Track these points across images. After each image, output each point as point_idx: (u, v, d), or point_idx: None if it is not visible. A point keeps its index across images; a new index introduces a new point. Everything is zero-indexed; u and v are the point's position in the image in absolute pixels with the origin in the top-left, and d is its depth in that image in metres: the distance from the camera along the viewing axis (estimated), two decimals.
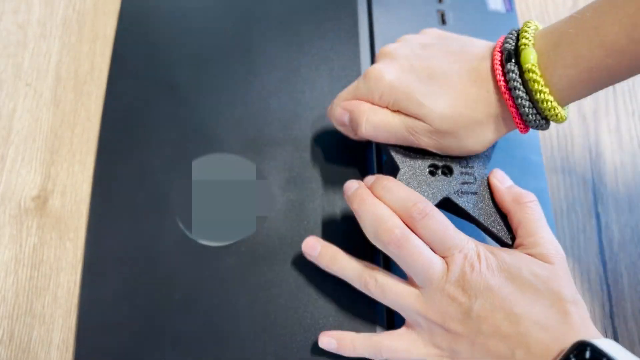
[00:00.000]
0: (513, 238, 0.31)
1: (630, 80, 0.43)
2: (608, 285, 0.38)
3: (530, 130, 0.30)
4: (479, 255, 0.28)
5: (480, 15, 0.44)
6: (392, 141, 0.32)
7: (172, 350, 0.32)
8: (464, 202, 0.31)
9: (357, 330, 0.32)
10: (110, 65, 0.40)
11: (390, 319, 0.33)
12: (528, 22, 0.30)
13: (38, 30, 0.43)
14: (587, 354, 0.23)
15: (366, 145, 0.38)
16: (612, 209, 0.40)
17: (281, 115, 0.39)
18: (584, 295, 0.37)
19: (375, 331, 0.33)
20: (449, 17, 0.43)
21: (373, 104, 0.32)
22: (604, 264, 0.38)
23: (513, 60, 0.28)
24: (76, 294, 0.35)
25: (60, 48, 0.42)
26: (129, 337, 0.32)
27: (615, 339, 0.36)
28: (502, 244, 0.31)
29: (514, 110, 0.29)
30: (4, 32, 0.42)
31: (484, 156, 0.33)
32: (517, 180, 0.38)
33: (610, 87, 0.43)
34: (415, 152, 0.32)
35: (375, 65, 0.32)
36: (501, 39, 0.30)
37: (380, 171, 0.37)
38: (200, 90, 0.39)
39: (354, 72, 0.40)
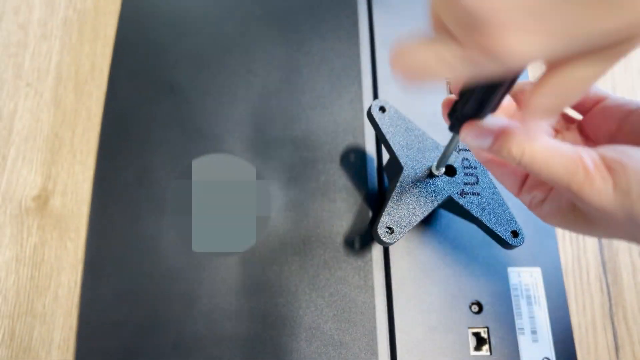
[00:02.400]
0: (513, 239, 0.31)
1: (630, 80, 0.43)
2: (608, 285, 0.38)
3: None
4: None
5: None
6: None
7: (172, 350, 0.32)
8: (466, 202, 0.31)
9: (357, 330, 0.32)
10: (111, 65, 0.40)
11: (391, 319, 0.33)
12: None
13: (39, 30, 0.43)
14: None
15: (366, 145, 0.38)
16: None
17: (281, 115, 0.39)
18: (584, 296, 0.37)
19: (375, 334, 0.33)
20: None
21: None
22: (604, 264, 0.38)
23: None
24: (77, 293, 0.35)
25: (60, 48, 0.42)
26: (129, 336, 0.32)
27: (615, 338, 0.36)
28: (504, 244, 0.31)
29: None
30: (4, 32, 0.43)
31: None
32: None
33: (610, 87, 0.43)
34: (418, 152, 0.32)
35: None
36: None
37: (381, 171, 0.38)
38: (200, 90, 0.39)
39: (354, 72, 0.40)
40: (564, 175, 0.20)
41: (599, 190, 0.20)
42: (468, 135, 0.22)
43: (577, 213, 0.22)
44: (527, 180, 0.26)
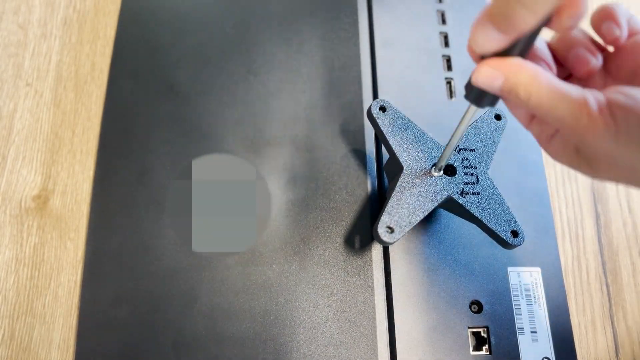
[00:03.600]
0: (513, 239, 0.31)
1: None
2: (608, 286, 0.38)
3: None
4: None
5: None
6: None
7: (172, 350, 0.32)
8: (466, 202, 0.31)
9: (357, 330, 0.32)
10: (111, 65, 0.40)
11: (391, 319, 0.33)
12: None
13: (39, 30, 0.43)
14: None
15: (366, 145, 0.38)
16: (612, 209, 0.40)
17: (281, 115, 0.39)
18: (584, 295, 0.37)
19: (375, 334, 0.33)
20: (449, 17, 0.43)
21: None
22: (604, 264, 0.38)
23: None
24: (77, 293, 0.35)
25: (60, 48, 0.42)
26: (129, 336, 0.32)
27: (615, 339, 0.36)
28: (504, 244, 0.31)
29: None
30: (4, 32, 0.43)
31: (486, 157, 0.33)
32: (517, 180, 0.38)
33: None
34: (419, 151, 0.32)
35: None
36: None
37: (381, 171, 0.38)
38: (200, 90, 0.39)
39: (354, 72, 0.40)
40: (569, 119, 0.20)
41: (601, 136, 0.20)
42: (479, 76, 0.22)
43: (581, 155, 0.22)
44: None
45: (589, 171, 0.23)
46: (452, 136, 0.29)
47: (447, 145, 0.30)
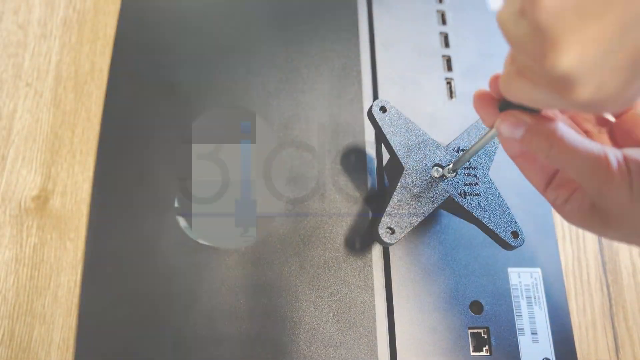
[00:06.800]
0: (514, 240, 0.31)
1: None
2: (608, 286, 0.38)
3: None
4: None
5: (480, 15, 0.44)
6: None
7: (172, 350, 0.32)
8: (467, 202, 0.31)
9: (357, 330, 0.32)
10: (111, 65, 0.40)
11: (391, 319, 0.33)
12: None
13: (38, 30, 0.43)
14: None
15: (366, 145, 0.38)
16: None
17: (281, 115, 0.39)
18: (584, 296, 0.37)
19: (375, 334, 0.33)
20: (449, 17, 0.43)
21: None
22: (604, 264, 0.38)
23: None
24: (76, 293, 0.35)
25: (60, 48, 0.42)
26: (129, 337, 0.32)
27: (615, 339, 0.36)
28: (504, 245, 0.31)
29: None
30: (4, 32, 0.42)
31: (487, 158, 0.33)
32: (517, 181, 0.38)
33: None
34: (419, 152, 0.32)
35: None
36: None
37: (382, 171, 0.38)
38: (200, 90, 0.39)
39: (354, 72, 0.40)
40: (588, 171, 0.21)
41: (618, 188, 0.20)
42: (503, 124, 0.23)
43: (595, 213, 0.23)
44: (554, 180, 0.26)
45: (600, 227, 0.23)
46: (476, 143, 0.28)
47: (468, 150, 0.29)
